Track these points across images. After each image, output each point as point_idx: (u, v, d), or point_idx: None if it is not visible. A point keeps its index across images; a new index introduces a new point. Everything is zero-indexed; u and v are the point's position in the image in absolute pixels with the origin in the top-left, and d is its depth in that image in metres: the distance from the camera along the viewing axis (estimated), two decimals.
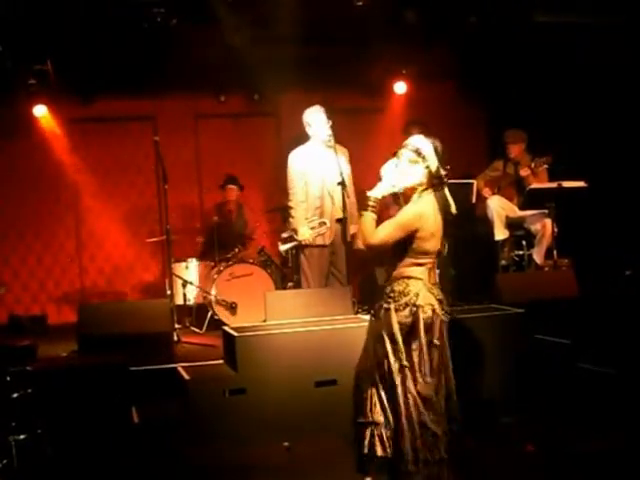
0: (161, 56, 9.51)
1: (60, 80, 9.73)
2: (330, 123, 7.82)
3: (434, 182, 4.70)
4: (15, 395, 5.77)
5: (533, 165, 9.10)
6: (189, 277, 9.50)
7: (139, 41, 9.10)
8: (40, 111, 10.37)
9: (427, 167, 4.66)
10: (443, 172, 4.69)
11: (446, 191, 4.73)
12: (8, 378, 5.83)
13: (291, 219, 8.02)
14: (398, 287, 4.67)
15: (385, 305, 4.68)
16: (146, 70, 9.85)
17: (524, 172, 9.17)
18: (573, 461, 5.33)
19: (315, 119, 7.95)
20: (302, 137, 8.11)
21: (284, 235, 8.41)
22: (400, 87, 11.16)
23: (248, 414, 5.91)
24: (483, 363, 6.31)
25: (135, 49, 9.30)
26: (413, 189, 4.72)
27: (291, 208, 7.99)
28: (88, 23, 8.57)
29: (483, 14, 9.28)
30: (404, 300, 4.63)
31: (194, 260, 9.71)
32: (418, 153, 4.65)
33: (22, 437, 5.60)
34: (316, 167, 7.97)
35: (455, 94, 11.25)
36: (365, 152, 9.76)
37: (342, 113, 10.58)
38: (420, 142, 4.69)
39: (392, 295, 4.66)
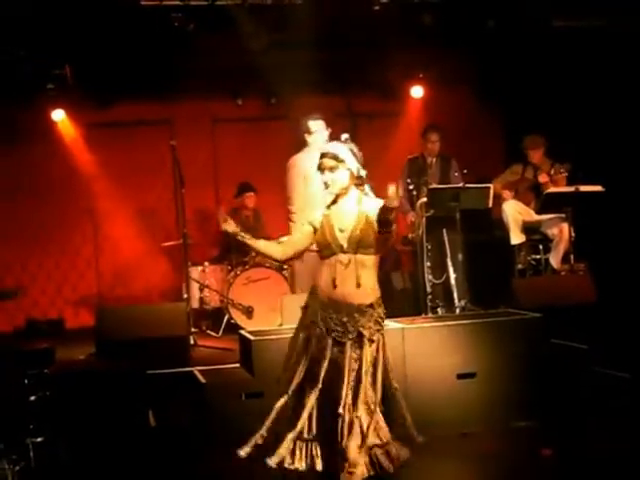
0: (178, 60, 9.56)
1: (78, 85, 9.78)
2: (330, 131, 7.90)
3: (356, 182, 4.83)
4: (33, 398, 5.82)
5: (552, 172, 9.05)
6: (206, 281, 9.52)
7: (157, 46, 9.15)
8: (58, 116, 10.41)
9: (348, 169, 4.78)
10: (363, 173, 4.82)
11: (367, 190, 4.85)
12: (26, 381, 5.88)
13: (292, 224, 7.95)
14: (383, 310, 4.77)
15: (381, 330, 4.73)
16: (163, 74, 9.89)
17: (543, 179, 9.13)
18: (589, 465, 5.32)
19: (318, 127, 8.02)
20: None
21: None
22: (417, 91, 11.11)
23: (265, 418, 5.89)
24: (499, 367, 6.31)
25: (153, 54, 9.35)
26: (342, 192, 4.82)
27: (293, 213, 7.98)
28: (106, 28, 8.61)
29: (501, 18, 9.26)
30: (385, 322, 4.82)
31: (210, 264, 9.72)
32: (337, 158, 4.76)
33: (39, 439, 5.65)
34: (316, 174, 8.04)
35: (472, 98, 11.20)
36: (382, 156, 9.75)
37: (359, 117, 10.66)
38: (337, 148, 4.83)
39: (381, 320, 4.73)
